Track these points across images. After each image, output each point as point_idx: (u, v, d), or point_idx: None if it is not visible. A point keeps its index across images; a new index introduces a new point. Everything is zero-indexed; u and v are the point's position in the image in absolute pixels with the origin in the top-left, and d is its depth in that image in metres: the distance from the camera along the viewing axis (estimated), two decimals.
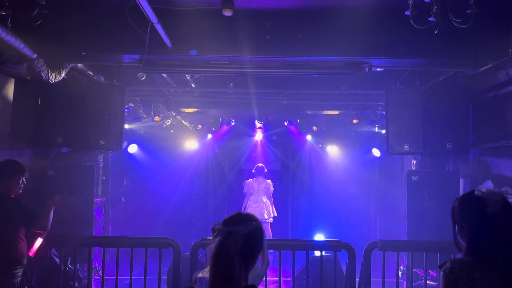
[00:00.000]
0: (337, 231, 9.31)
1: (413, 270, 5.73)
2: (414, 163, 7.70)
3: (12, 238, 4.15)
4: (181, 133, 10.91)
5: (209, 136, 11.44)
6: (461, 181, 6.22)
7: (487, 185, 2.09)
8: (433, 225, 5.53)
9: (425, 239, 5.40)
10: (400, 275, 5.74)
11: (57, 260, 5.41)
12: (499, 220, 2.01)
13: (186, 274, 5.13)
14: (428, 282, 5.36)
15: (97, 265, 6.90)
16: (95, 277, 6.72)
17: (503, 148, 5.42)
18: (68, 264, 5.61)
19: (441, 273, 2.07)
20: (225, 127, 10.80)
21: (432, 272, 6.26)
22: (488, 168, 5.85)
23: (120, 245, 5.13)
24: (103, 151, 7.51)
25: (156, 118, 8.86)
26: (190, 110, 9.51)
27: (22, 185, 4.32)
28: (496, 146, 5.55)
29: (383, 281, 4.96)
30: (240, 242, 1.87)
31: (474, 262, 2.02)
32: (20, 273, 4.20)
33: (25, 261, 4.29)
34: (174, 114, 9.27)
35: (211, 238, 1.94)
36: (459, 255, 2.15)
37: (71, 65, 5.57)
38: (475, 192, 2.08)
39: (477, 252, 2.04)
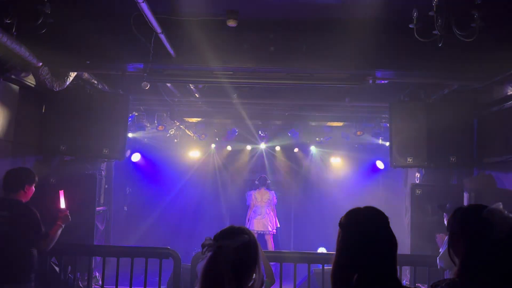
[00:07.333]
0: None
1: (416, 284, 5.66)
2: (418, 176, 7.64)
3: (28, 245, 4.23)
4: (184, 142, 10.91)
5: (213, 146, 11.43)
6: (465, 195, 6.16)
7: (497, 207, 1.90)
8: None
9: (428, 254, 5.33)
10: None
11: (57, 268, 5.39)
12: (502, 247, 1.83)
13: (186, 285, 5.10)
14: None
15: (97, 274, 6.86)
16: (95, 286, 6.68)
17: (508, 162, 5.37)
18: (68, 273, 5.58)
19: None
20: (229, 137, 10.79)
21: None
22: (493, 183, 5.79)
23: (120, 255, 5.12)
24: (106, 159, 7.51)
25: (160, 128, 8.87)
26: (194, 119, 9.52)
27: (31, 193, 4.37)
28: (501, 161, 5.50)
29: None
30: (230, 257, 1.79)
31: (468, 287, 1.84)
32: (33, 277, 4.25)
33: (37, 267, 4.34)
34: (178, 123, 9.28)
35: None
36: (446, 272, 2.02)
37: (75, 73, 5.61)
38: (484, 212, 1.89)
39: (472, 277, 1.86)
